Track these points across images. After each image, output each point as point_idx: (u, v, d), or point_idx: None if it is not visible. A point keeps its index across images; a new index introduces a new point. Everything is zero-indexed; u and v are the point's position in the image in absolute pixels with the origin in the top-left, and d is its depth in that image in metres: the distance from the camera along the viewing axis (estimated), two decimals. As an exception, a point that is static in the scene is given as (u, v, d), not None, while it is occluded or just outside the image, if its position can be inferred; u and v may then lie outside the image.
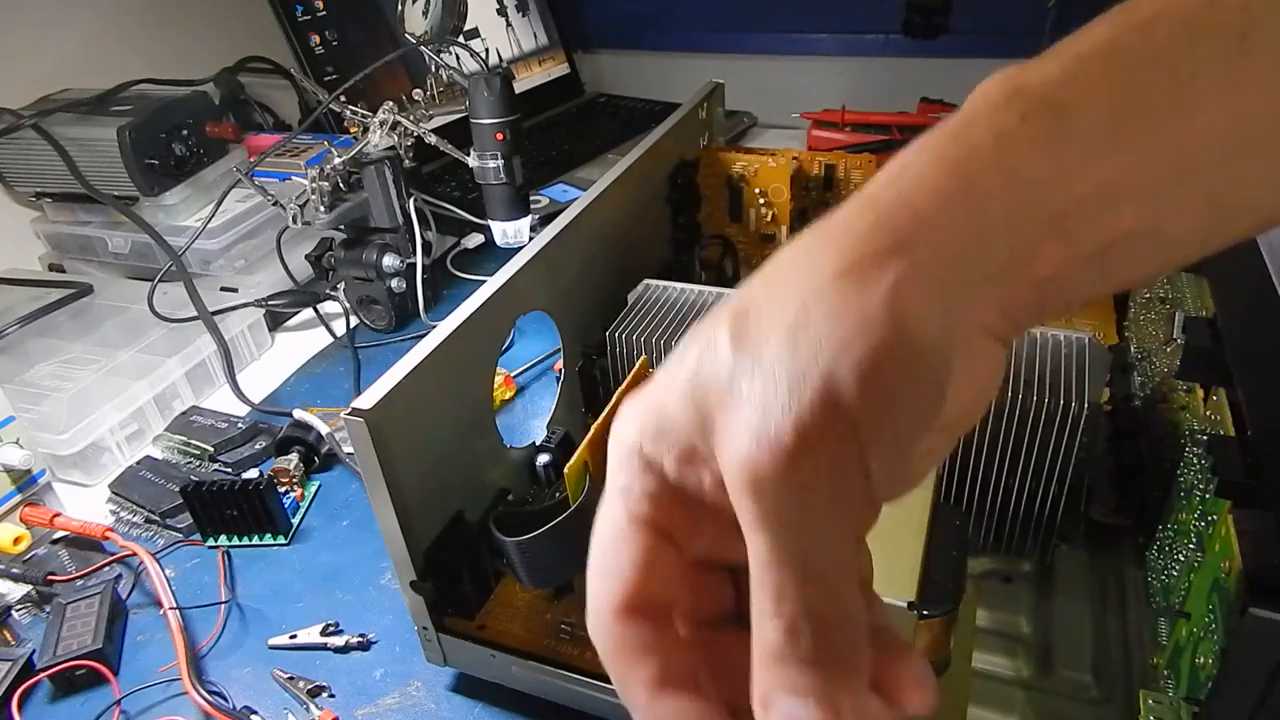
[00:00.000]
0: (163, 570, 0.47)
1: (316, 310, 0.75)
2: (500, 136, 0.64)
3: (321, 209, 0.67)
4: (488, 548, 0.41)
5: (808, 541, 0.19)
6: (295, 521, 0.54)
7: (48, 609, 0.48)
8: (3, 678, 0.44)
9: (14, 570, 0.50)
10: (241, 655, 0.45)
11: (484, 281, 0.43)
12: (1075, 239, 0.22)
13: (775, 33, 1.15)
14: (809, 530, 0.19)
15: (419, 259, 0.71)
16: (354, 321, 0.73)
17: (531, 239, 0.48)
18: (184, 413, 0.63)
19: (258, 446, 0.60)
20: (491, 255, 0.82)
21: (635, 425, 0.22)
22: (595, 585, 0.22)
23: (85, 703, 0.44)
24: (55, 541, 0.53)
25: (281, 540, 0.53)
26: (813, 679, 0.19)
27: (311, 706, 0.42)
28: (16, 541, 0.51)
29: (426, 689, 0.43)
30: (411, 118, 0.68)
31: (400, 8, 0.70)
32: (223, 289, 0.75)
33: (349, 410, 0.33)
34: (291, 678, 0.43)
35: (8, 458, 0.52)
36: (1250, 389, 0.31)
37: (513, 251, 0.46)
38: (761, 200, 0.63)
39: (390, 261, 0.70)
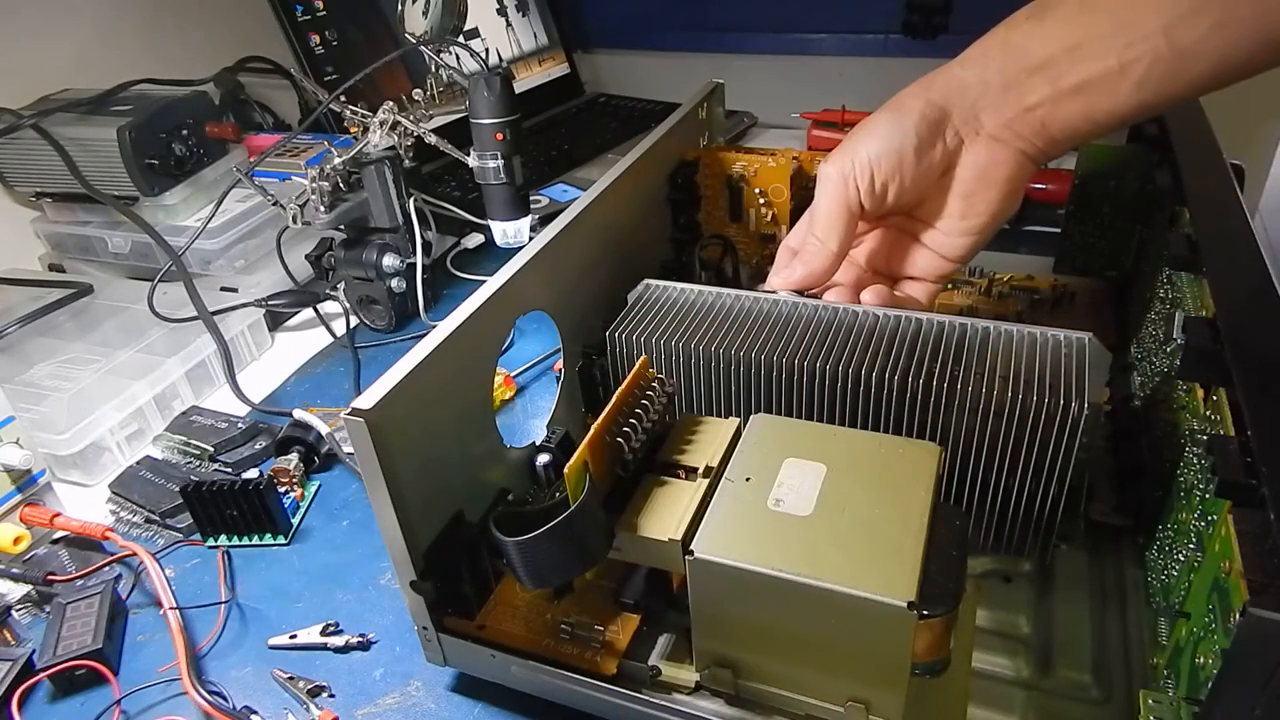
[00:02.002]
0: (163, 570, 0.47)
1: (316, 310, 0.75)
2: (500, 136, 0.64)
3: (321, 209, 0.67)
4: (488, 548, 0.41)
5: (818, 202, 0.45)
6: (295, 521, 0.54)
7: (48, 609, 0.48)
8: (3, 678, 0.44)
9: (14, 570, 0.50)
10: (241, 655, 0.45)
11: (484, 281, 0.43)
12: (1056, 80, 0.39)
13: (775, 33, 1.15)
14: (819, 198, 0.45)
15: (419, 259, 0.71)
16: (354, 321, 0.73)
17: (531, 239, 0.48)
18: (184, 413, 0.63)
19: (258, 446, 0.60)
20: (491, 255, 0.82)
21: None
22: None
23: (85, 703, 0.44)
24: (55, 541, 0.53)
25: (281, 540, 0.53)
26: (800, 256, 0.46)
27: (311, 706, 0.42)
28: (16, 541, 0.51)
29: (426, 689, 0.43)
30: (411, 118, 0.68)
31: (400, 8, 0.70)
32: (223, 289, 0.75)
33: (349, 410, 0.33)
34: (291, 678, 0.43)
35: (8, 458, 0.52)
36: (1250, 389, 0.31)
37: (513, 251, 0.46)
38: (761, 200, 0.63)
39: (390, 261, 0.70)
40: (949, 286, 0.62)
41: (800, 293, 0.47)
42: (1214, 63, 0.36)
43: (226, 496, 0.51)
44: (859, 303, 0.46)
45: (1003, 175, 0.43)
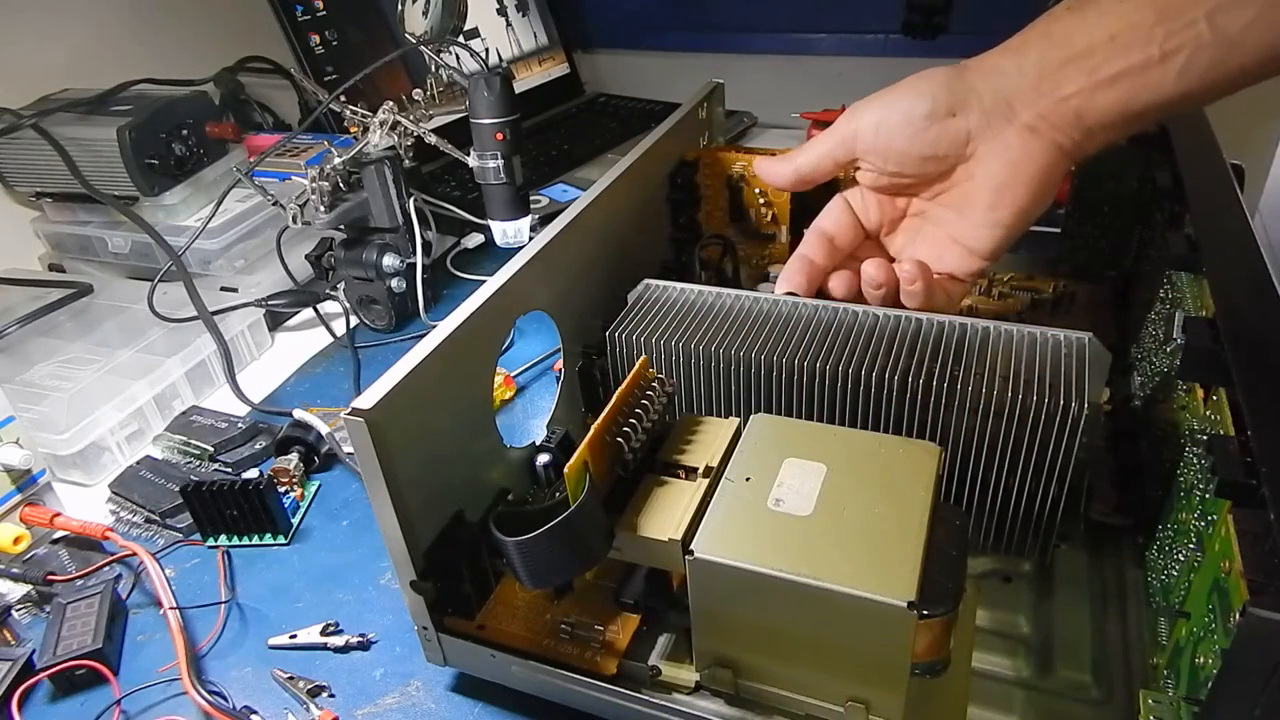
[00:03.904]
0: (163, 570, 0.47)
1: (316, 310, 0.75)
2: (500, 136, 0.64)
3: (321, 209, 0.67)
4: (488, 547, 0.41)
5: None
6: (295, 521, 0.54)
7: (48, 609, 0.48)
8: (3, 678, 0.44)
9: (14, 570, 0.50)
10: (241, 655, 0.45)
11: (484, 281, 0.43)
12: (1094, 70, 0.38)
13: (775, 33, 1.15)
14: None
15: (419, 259, 0.71)
16: (354, 321, 0.73)
17: (531, 239, 0.48)
18: (184, 412, 0.63)
19: (258, 446, 0.60)
20: (491, 255, 0.82)
21: None
22: None
23: (85, 703, 0.44)
24: (55, 541, 0.53)
25: (281, 540, 0.53)
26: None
27: (311, 706, 0.42)
28: (16, 541, 0.51)
29: (426, 689, 0.43)
30: (411, 118, 0.68)
31: (400, 8, 0.70)
32: (223, 289, 0.75)
33: (349, 410, 0.33)
34: (291, 678, 0.43)
35: (8, 458, 0.52)
36: (1250, 389, 0.31)
37: (513, 251, 0.46)
38: (761, 200, 0.63)
39: (390, 261, 0.70)
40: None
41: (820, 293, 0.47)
42: (1259, 51, 0.35)
43: (226, 496, 0.51)
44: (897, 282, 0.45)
45: (1036, 167, 0.42)
